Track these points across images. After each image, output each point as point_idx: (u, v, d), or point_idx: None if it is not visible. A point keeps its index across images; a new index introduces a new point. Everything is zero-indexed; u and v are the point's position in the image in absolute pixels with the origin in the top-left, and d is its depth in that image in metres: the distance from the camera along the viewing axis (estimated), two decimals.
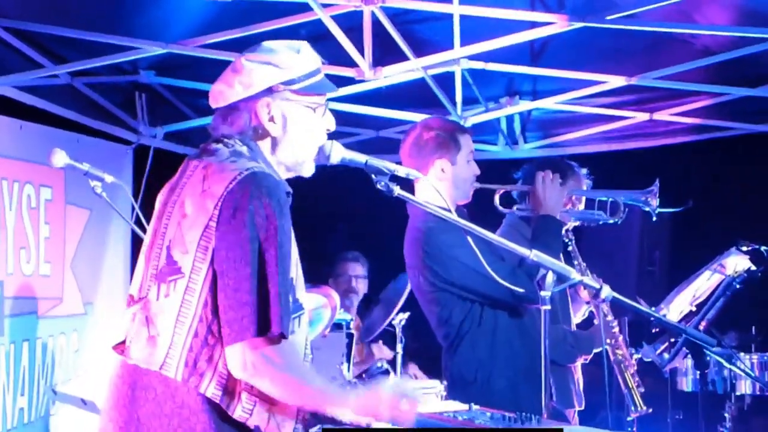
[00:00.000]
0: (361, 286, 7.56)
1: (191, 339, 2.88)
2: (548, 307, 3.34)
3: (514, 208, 5.07)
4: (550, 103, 7.58)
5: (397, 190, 3.26)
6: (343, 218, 8.77)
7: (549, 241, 4.64)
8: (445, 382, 4.58)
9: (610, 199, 5.09)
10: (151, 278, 2.98)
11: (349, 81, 6.33)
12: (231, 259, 2.85)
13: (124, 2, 5.80)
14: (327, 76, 3.23)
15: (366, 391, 2.96)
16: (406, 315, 6.10)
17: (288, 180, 3.14)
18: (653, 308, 5.29)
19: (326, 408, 2.92)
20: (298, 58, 3.13)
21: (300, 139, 3.14)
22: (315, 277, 5.76)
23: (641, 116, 7.79)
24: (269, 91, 3.08)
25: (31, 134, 6.26)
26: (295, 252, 3.00)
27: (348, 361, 6.25)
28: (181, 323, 2.89)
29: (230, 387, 2.89)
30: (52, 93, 6.67)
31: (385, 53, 6.01)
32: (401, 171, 3.30)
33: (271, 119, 3.09)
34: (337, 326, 6.28)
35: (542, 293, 3.32)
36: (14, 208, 6.13)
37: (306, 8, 5.46)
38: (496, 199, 5.06)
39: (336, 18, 5.54)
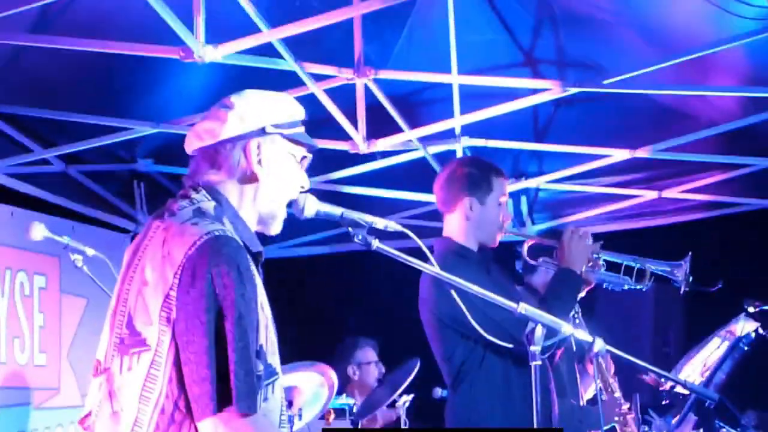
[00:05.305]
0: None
1: (157, 416, 2.70)
2: (539, 362, 3.15)
3: (540, 259, 4.94)
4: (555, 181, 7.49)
5: (376, 243, 3.07)
6: (353, 302, 8.61)
7: (563, 294, 4.51)
8: None
9: (637, 266, 4.91)
10: (114, 348, 2.80)
11: (347, 162, 6.25)
12: (190, 331, 2.68)
13: (116, 85, 5.73)
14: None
15: None
16: (410, 397, 5.91)
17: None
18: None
19: None
20: (286, 103, 3.00)
21: (279, 187, 2.98)
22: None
23: (650, 194, 7.67)
24: (262, 131, 2.93)
25: (23, 221, 6.05)
26: (265, 316, 2.82)
27: None
28: (145, 399, 2.71)
29: None
30: (44, 180, 6.58)
31: (381, 129, 5.94)
32: (379, 223, 3.12)
33: (260, 162, 2.93)
34: (340, 412, 6.10)
35: (532, 348, 3.13)
36: (6, 296, 6.01)
37: (299, 82, 5.35)
38: (525, 249, 4.95)
39: (328, 92, 5.46)
